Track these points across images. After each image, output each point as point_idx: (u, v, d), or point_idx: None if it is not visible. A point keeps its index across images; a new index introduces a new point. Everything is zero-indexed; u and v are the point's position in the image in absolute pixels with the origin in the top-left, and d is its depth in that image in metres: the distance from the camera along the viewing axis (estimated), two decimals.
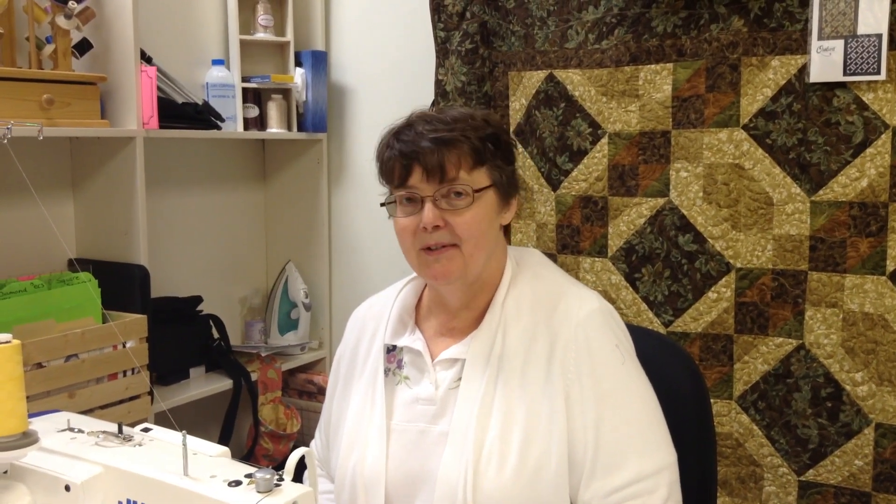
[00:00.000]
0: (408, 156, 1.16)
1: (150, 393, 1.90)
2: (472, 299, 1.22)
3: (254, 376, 2.29)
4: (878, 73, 1.63)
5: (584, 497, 1.11)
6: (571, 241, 2.02)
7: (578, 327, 1.15)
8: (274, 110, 2.41)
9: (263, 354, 2.37)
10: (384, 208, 1.23)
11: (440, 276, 1.17)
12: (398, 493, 1.16)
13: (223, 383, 2.22)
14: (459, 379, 1.17)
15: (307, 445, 1.14)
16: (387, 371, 1.24)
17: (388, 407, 1.21)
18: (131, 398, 1.85)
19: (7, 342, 0.89)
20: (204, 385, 2.19)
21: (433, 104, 2.19)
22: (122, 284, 1.93)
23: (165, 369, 2.12)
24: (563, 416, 1.11)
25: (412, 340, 1.23)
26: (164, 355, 2.02)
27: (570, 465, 1.11)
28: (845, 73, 1.66)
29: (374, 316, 1.31)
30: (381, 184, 1.25)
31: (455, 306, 1.23)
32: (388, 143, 1.21)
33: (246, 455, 2.31)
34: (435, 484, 1.12)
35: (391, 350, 1.25)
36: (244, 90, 2.34)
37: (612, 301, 1.94)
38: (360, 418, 1.22)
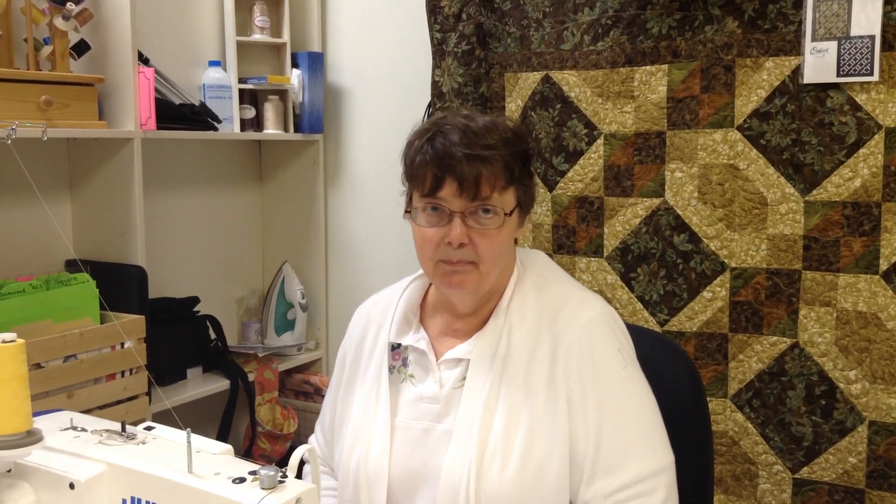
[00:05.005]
0: (442, 167, 1.13)
1: (149, 393, 1.91)
2: (481, 306, 1.23)
3: (251, 377, 2.29)
4: (871, 74, 1.64)
5: (584, 497, 1.12)
6: (567, 242, 2.03)
7: (581, 331, 1.16)
8: (270, 111, 2.41)
9: (260, 355, 2.37)
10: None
11: (455, 286, 1.17)
12: (401, 489, 1.17)
13: (220, 384, 2.22)
14: (464, 379, 1.18)
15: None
16: (391, 368, 1.25)
17: (392, 404, 1.22)
18: (129, 398, 1.86)
19: (11, 341, 0.89)
20: (201, 385, 2.19)
21: (429, 105, 2.20)
22: (119, 285, 1.93)
23: (163, 370, 2.13)
24: (566, 417, 1.13)
25: (416, 340, 1.24)
26: (161, 356, 2.02)
27: (571, 466, 1.12)
28: (839, 74, 1.68)
29: (379, 313, 1.31)
30: (402, 183, 1.23)
31: (463, 311, 1.23)
32: (419, 147, 1.17)
33: (243, 455, 2.32)
34: (438, 481, 1.13)
35: (395, 348, 1.26)
36: (241, 91, 2.34)
37: (607, 301, 1.95)
38: (365, 414, 1.23)
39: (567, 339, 1.16)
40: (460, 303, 1.22)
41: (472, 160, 1.13)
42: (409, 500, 1.18)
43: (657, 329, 1.91)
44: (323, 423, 1.39)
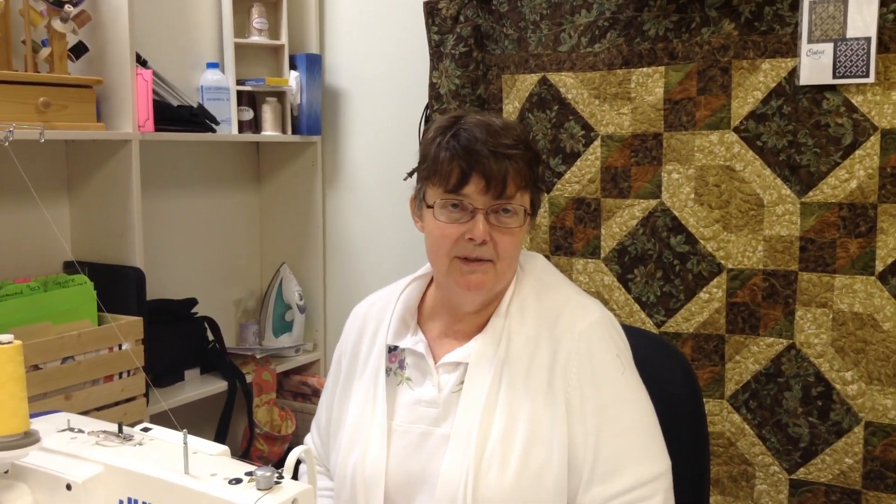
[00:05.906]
0: (469, 162, 1.13)
1: (147, 394, 1.91)
2: (485, 306, 1.23)
3: (248, 378, 2.30)
4: (867, 75, 1.65)
5: (582, 502, 1.12)
6: (564, 243, 2.04)
7: (581, 337, 1.16)
8: (268, 113, 2.42)
9: (258, 356, 2.37)
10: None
11: (474, 287, 1.17)
12: (398, 493, 1.17)
13: (218, 385, 2.22)
14: (462, 382, 1.18)
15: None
16: (388, 371, 1.25)
17: (389, 407, 1.21)
18: (127, 400, 1.86)
19: (9, 342, 0.89)
20: (199, 387, 2.19)
21: (427, 107, 2.21)
22: (117, 287, 1.93)
23: (160, 371, 2.13)
24: (564, 422, 1.13)
25: (414, 342, 1.24)
26: (158, 357, 2.02)
27: (569, 471, 1.12)
28: (835, 76, 1.68)
29: (376, 314, 1.31)
30: (421, 178, 1.20)
31: (468, 311, 1.23)
32: (442, 144, 1.16)
33: (241, 456, 2.32)
34: (436, 485, 1.13)
35: (392, 350, 1.26)
36: (239, 93, 2.34)
37: (604, 302, 1.96)
38: (361, 417, 1.23)
39: (566, 345, 1.16)
40: (468, 302, 1.22)
41: (500, 158, 1.13)
42: None
43: (654, 330, 1.92)
44: (319, 424, 1.39)
